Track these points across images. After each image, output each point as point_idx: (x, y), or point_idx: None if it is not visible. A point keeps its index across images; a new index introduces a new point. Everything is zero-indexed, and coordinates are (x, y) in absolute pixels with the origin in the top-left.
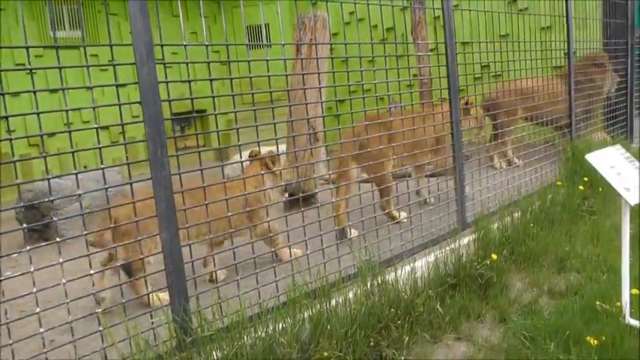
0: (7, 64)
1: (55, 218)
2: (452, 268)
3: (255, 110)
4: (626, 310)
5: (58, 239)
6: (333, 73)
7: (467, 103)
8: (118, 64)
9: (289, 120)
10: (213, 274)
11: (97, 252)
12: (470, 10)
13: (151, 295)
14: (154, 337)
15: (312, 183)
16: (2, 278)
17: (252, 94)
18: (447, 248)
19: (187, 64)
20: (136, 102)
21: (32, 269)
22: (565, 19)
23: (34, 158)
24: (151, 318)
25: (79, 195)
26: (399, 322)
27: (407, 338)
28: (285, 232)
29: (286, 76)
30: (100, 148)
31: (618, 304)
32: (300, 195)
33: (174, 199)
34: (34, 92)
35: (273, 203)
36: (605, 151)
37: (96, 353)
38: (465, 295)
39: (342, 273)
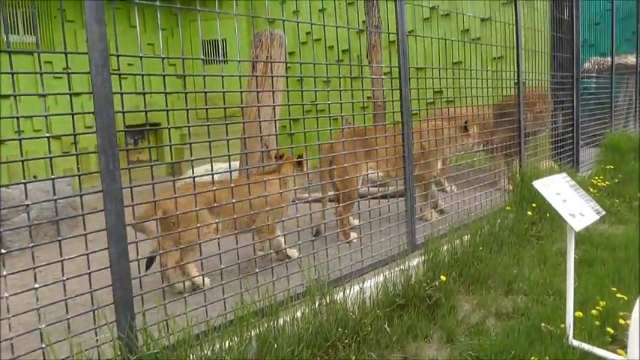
0: None
1: (0, 229)
2: (401, 288)
3: (209, 126)
4: (570, 332)
5: (3, 251)
6: (288, 91)
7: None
8: (72, 73)
9: (243, 137)
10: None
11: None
12: (424, 37)
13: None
14: (98, 356)
15: None
16: None
17: (207, 109)
18: (397, 269)
19: (143, 75)
20: (90, 112)
21: None
22: (515, 50)
23: None
24: (96, 335)
25: (28, 205)
26: (347, 341)
27: (354, 357)
28: (235, 250)
29: (241, 92)
30: (51, 158)
31: (562, 325)
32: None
33: (124, 213)
34: None
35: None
36: (552, 179)
37: None
38: (413, 316)
39: (291, 292)
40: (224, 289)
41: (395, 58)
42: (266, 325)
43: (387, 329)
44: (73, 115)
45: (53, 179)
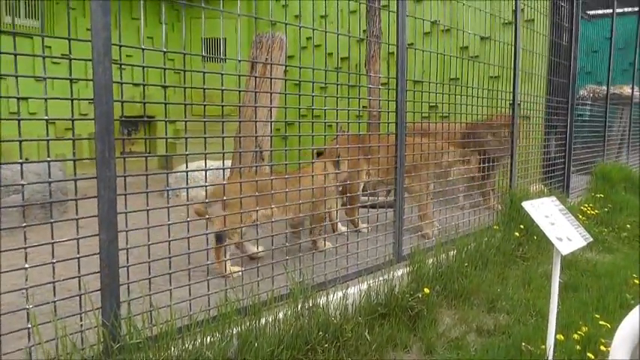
0: None
1: None
2: (384, 297)
3: (205, 122)
4: (550, 353)
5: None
6: (285, 94)
7: None
8: (74, 59)
9: (237, 135)
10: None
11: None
12: (423, 51)
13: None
14: (82, 341)
15: None
16: None
17: (204, 105)
18: (381, 278)
19: (143, 67)
20: (89, 99)
21: None
22: (512, 71)
23: None
24: (81, 320)
25: (22, 185)
26: (326, 345)
27: None
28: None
29: (239, 91)
30: (47, 141)
31: (543, 347)
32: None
33: (116, 201)
34: None
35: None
36: (542, 201)
37: (21, 351)
38: (394, 325)
39: (275, 292)
40: (209, 284)
41: (393, 69)
42: (248, 324)
43: (367, 337)
44: (72, 100)
45: (49, 161)
